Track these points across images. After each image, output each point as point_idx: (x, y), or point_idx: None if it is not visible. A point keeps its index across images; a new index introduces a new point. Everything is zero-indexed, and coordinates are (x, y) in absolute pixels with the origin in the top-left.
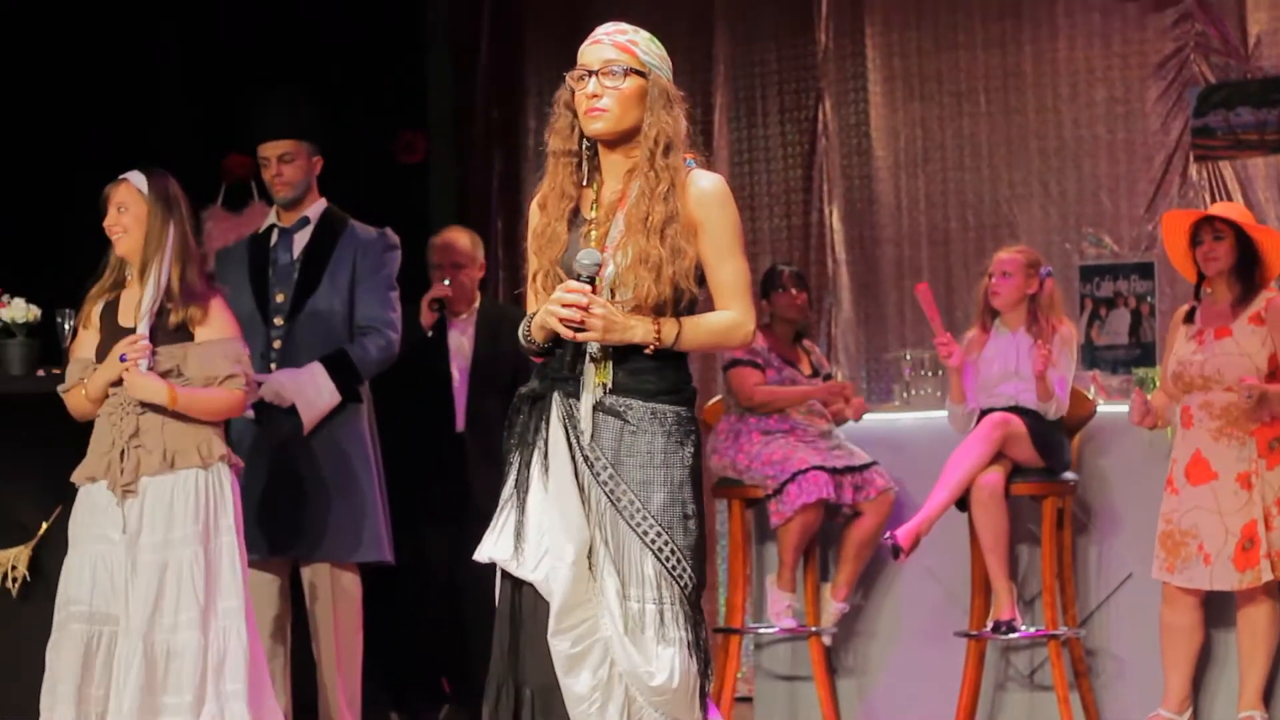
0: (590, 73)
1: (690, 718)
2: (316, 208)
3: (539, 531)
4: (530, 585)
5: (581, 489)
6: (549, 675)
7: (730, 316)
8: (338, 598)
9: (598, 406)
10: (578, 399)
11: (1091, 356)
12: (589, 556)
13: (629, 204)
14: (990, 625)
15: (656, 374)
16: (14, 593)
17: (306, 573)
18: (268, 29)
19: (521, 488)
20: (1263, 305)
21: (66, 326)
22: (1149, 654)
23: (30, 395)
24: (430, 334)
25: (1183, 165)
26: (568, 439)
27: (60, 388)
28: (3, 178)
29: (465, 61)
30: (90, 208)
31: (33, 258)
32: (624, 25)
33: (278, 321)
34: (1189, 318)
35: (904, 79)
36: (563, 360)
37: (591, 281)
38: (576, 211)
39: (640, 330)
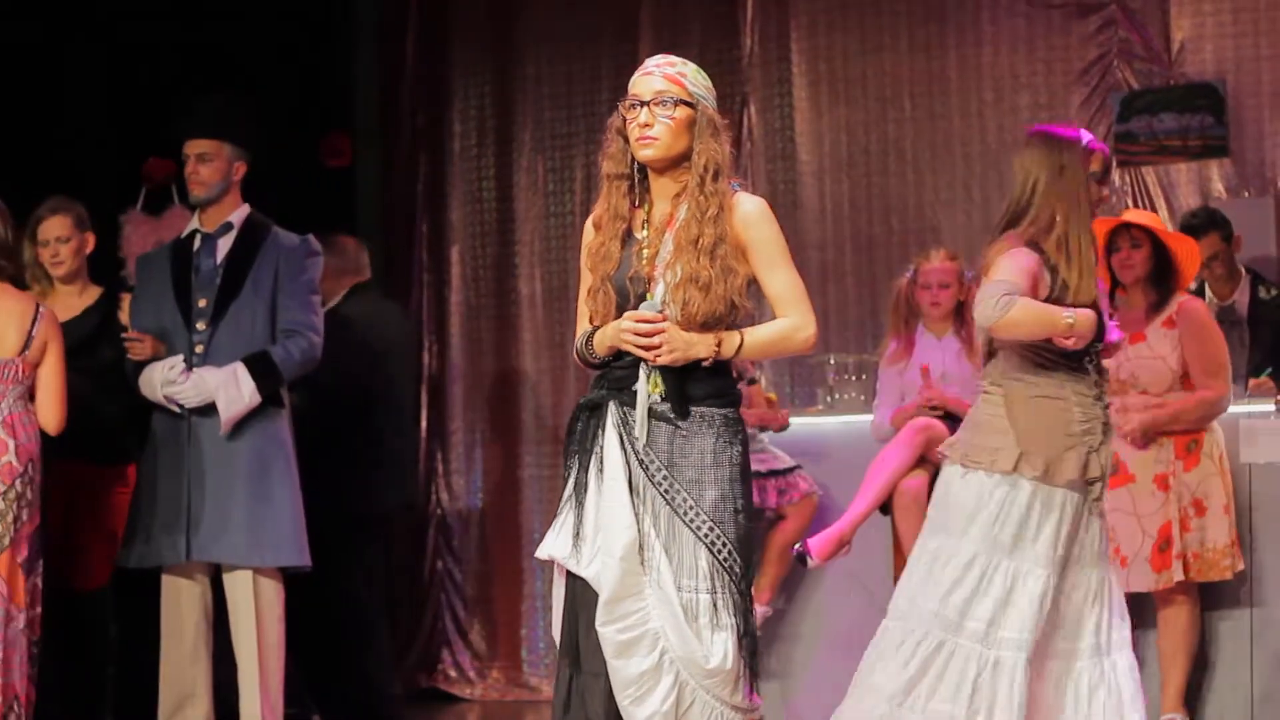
0: (642, 103)
1: (735, 700)
2: (239, 213)
3: (595, 531)
4: (585, 580)
5: (635, 490)
6: (596, 664)
7: (788, 322)
8: (259, 604)
9: (651, 413)
10: (633, 407)
11: None
12: (640, 553)
13: (677, 225)
14: None
15: (704, 380)
16: None
17: (228, 578)
18: (193, 31)
19: (580, 490)
20: (1174, 309)
21: None
22: None
23: None
24: None
25: None
26: (622, 444)
27: None
28: None
29: (392, 66)
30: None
31: None
32: (673, 58)
33: (200, 326)
34: None
35: (829, 83)
36: (618, 371)
37: None
38: (629, 231)
39: (701, 346)
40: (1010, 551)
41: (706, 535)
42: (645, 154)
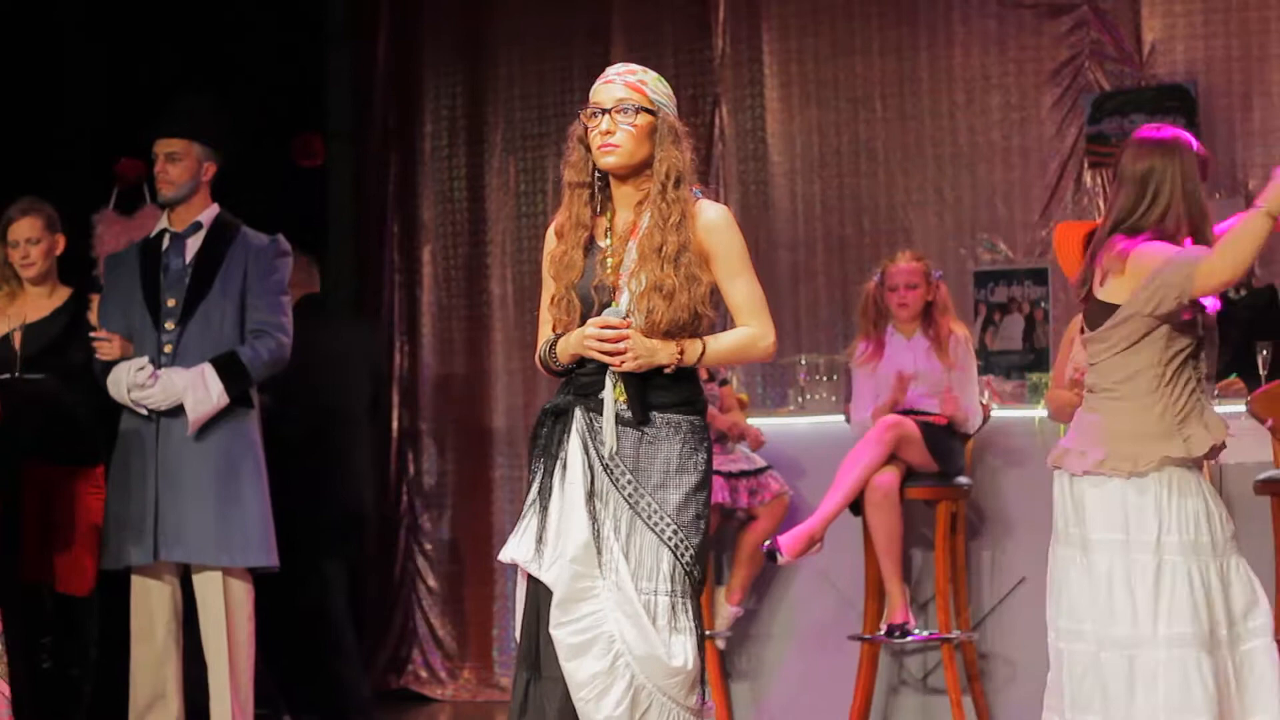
0: (603, 110)
1: (689, 702)
2: (209, 213)
3: (557, 535)
4: (546, 584)
5: (597, 495)
6: (555, 669)
7: (749, 331)
8: (229, 604)
9: (618, 419)
10: (599, 413)
11: (986, 361)
12: (597, 555)
13: (641, 233)
14: (884, 629)
15: (671, 388)
16: None
17: (197, 579)
18: (167, 30)
19: (544, 495)
20: None
21: None
22: (1041, 657)
23: None
24: None
25: (1077, 171)
26: (585, 450)
27: None
28: None
29: (363, 66)
30: None
31: None
32: (633, 66)
33: (169, 326)
34: None
35: (800, 85)
36: (584, 378)
37: None
38: (592, 239)
39: (663, 353)
40: (1211, 548)
41: (671, 539)
42: (607, 161)
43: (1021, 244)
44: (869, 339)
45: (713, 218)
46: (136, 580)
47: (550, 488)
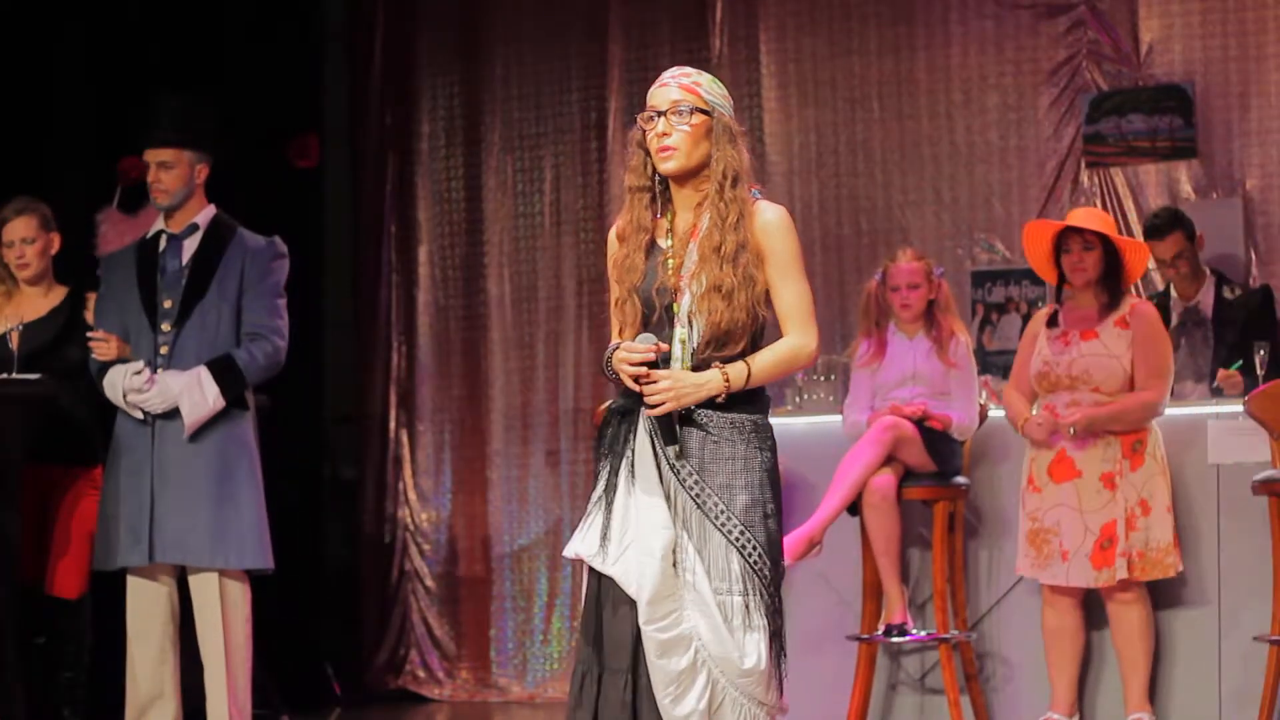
0: (659, 113)
1: (768, 699)
2: (205, 215)
3: (622, 531)
4: (610, 579)
5: (667, 494)
6: (618, 661)
7: (791, 343)
8: (225, 605)
9: (682, 420)
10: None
11: (983, 361)
12: (673, 554)
13: (701, 234)
14: (882, 629)
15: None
16: None
17: (193, 580)
18: (165, 30)
19: (610, 492)
20: (1127, 310)
21: None
22: (1038, 657)
23: None
24: None
25: (1074, 172)
26: (654, 449)
27: None
28: None
29: (359, 66)
30: None
31: None
32: (688, 69)
33: (165, 327)
34: (1052, 321)
35: (798, 85)
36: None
37: (654, 365)
38: (653, 242)
39: (713, 384)
40: None
41: (738, 539)
42: (666, 166)
43: (1019, 244)
44: (870, 338)
45: (770, 218)
46: (133, 582)
47: (616, 485)
